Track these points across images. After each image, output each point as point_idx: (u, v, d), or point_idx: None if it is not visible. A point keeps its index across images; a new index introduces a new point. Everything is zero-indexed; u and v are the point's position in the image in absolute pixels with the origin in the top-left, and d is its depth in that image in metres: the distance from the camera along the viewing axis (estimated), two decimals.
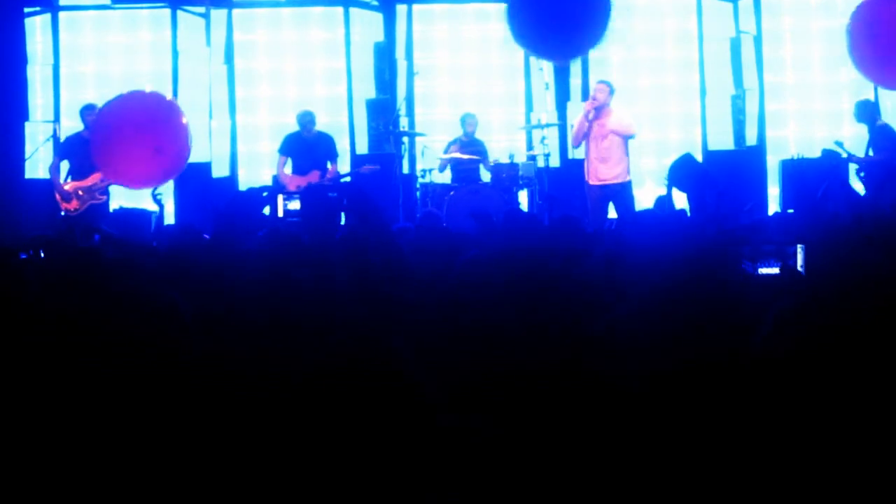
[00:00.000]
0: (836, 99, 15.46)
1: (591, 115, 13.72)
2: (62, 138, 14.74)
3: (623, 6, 15.37)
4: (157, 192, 13.49)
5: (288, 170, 14.51)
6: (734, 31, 15.72)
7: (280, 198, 12.46)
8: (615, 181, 13.76)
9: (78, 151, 13.97)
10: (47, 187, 15.12)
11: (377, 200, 10.80)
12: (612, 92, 13.90)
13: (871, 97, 14.70)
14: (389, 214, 13.43)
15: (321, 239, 6.74)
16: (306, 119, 14.47)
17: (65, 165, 14.07)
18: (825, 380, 3.90)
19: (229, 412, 3.91)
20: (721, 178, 14.59)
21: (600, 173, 13.77)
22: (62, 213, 13.73)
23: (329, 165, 14.34)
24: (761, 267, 7.16)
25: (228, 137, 15.72)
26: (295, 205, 12.02)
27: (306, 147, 14.44)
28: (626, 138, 13.87)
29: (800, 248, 6.79)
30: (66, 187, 13.81)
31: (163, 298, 4.65)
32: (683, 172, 10.19)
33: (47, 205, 14.71)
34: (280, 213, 12.23)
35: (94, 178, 13.78)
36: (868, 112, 14.35)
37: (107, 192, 13.96)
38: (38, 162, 15.55)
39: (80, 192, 13.73)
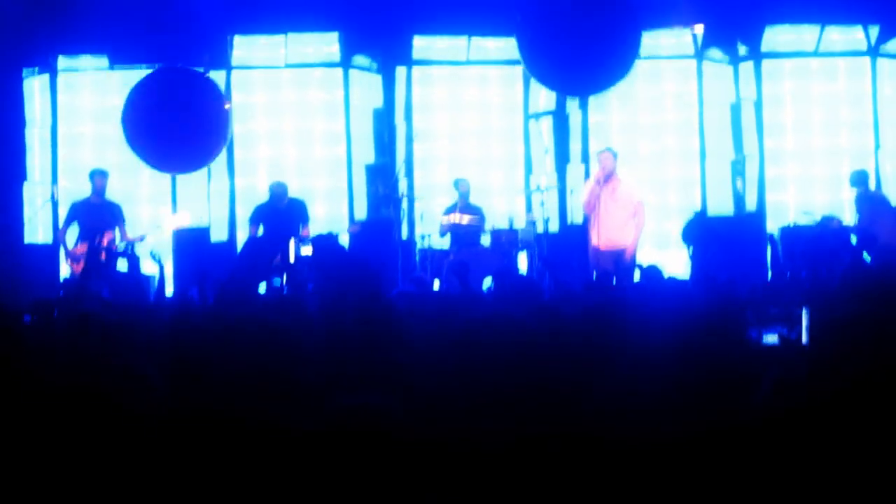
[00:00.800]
0: (837, 164, 15.42)
1: (601, 182, 13.74)
2: (70, 202, 14.67)
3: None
4: (156, 253, 13.46)
5: None
6: (734, 95, 15.71)
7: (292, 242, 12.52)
8: (620, 247, 13.73)
9: (86, 215, 14.04)
10: (46, 251, 15.15)
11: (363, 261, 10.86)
12: (615, 158, 13.93)
13: (872, 163, 14.74)
14: (388, 278, 13.32)
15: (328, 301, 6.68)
16: (280, 190, 14.31)
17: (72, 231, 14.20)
18: (825, 444, 3.84)
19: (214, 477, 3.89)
20: (721, 242, 14.59)
21: (606, 239, 13.73)
22: (69, 277, 13.72)
23: (301, 230, 14.17)
24: (767, 333, 7.07)
25: (227, 200, 15.65)
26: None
27: (278, 216, 14.18)
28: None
29: (805, 313, 6.71)
30: (76, 251, 13.84)
31: (135, 368, 4.63)
32: (694, 230, 10.24)
33: (46, 268, 14.71)
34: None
35: (103, 240, 13.79)
36: (859, 180, 14.43)
37: (114, 255, 13.95)
38: (36, 224, 15.50)
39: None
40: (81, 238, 14.08)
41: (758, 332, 7.48)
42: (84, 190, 14.60)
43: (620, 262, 13.64)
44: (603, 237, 13.80)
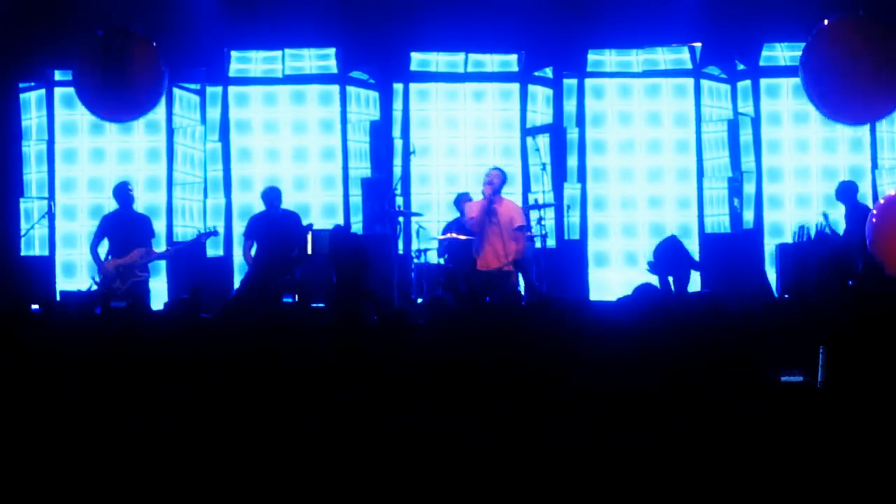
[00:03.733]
0: (834, 181, 15.38)
1: (489, 201, 13.51)
2: (101, 215, 14.58)
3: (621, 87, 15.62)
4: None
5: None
6: (732, 113, 15.67)
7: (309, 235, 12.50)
8: (499, 268, 13.43)
9: (117, 229, 13.99)
10: (43, 263, 15.11)
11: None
12: (504, 177, 13.72)
13: (868, 182, 14.75)
14: (384, 295, 13.26)
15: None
16: (272, 195, 14.02)
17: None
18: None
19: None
20: (716, 261, 14.57)
21: (484, 261, 13.47)
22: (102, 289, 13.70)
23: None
24: (785, 376, 6.98)
25: (223, 216, 15.62)
26: None
27: (274, 227, 13.91)
28: (515, 228, 13.59)
29: (821, 351, 6.63)
30: (108, 266, 13.81)
31: None
32: (667, 255, 10.07)
33: (43, 281, 14.69)
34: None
35: (133, 255, 13.79)
36: (847, 192, 14.39)
37: (147, 270, 13.99)
38: (32, 238, 15.49)
39: (121, 270, 13.75)
40: (112, 252, 14.00)
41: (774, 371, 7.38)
42: (111, 203, 14.56)
43: (501, 283, 13.23)
44: (483, 259, 13.47)
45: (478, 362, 5.82)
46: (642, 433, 4.89)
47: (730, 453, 4.71)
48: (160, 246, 14.50)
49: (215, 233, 14.52)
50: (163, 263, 15.01)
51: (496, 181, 13.53)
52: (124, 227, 13.98)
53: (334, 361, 5.93)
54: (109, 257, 13.94)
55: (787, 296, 13.09)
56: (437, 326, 7.94)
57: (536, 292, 12.93)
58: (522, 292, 12.86)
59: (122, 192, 14.21)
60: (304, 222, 13.94)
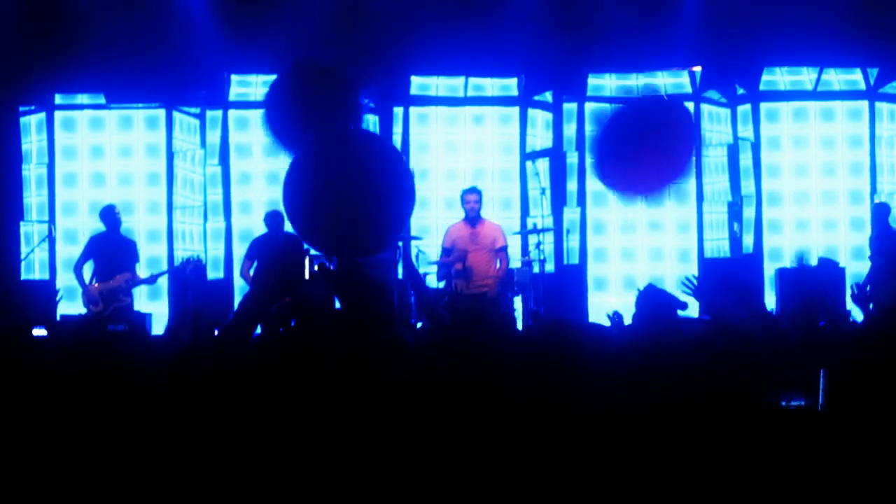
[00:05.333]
0: (834, 206, 15.39)
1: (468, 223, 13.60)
2: (88, 236, 14.69)
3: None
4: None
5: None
6: (732, 137, 15.68)
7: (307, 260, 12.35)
8: (482, 290, 13.53)
9: (102, 252, 14.01)
10: (44, 287, 15.11)
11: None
12: (481, 197, 13.84)
13: (867, 207, 14.80)
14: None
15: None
16: (277, 219, 14.00)
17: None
18: None
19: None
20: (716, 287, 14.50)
21: (476, 283, 13.58)
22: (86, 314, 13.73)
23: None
24: (786, 400, 6.94)
25: (223, 239, 15.63)
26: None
27: (275, 249, 13.97)
28: (497, 250, 13.68)
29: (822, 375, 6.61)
30: (91, 289, 13.83)
31: None
32: (648, 304, 9.97)
33: (43, 306, 14.67)
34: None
35: (118, 280, 13.82)
36: (880, 215, 14.42)
37: (130, 294, 14.01)
38: (32, 262, 15.52)
39: (105, 294, 13.77)
40: (97, 275, 14.06)
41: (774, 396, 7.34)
42: (98, 226, 14.58)
43: (492, 305, 13.22)
44: (470, 282, 13.60)
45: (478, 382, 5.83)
46: (641, 452, 4.90)
47: (724, 471, 4.71)
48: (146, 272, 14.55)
49: (198, 260, 14.42)
50: (164, 287, 15.02)
51: (476, 205, 13.66)
52: (110, 251, 14.01)
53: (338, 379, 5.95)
54: (94, 280, 13.97)
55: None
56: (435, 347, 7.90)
57: (534, 312, 12.94)
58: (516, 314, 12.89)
59: (109, 215, 14.25)
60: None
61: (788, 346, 8.36)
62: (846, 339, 7.66)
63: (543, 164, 15.57)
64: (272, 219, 14.08)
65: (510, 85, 15.84)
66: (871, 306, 9.63)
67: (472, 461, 4.67)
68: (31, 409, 5.16)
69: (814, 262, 14.57)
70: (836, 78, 15.75)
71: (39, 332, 10.10)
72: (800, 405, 6.86)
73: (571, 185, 15.66)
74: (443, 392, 5.32)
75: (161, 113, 15.75)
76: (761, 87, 15.70)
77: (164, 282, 15.02)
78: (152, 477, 4.53)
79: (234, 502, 4.30)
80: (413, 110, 15.87)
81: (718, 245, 15.59)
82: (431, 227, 15.46)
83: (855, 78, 15.72)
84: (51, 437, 4.94)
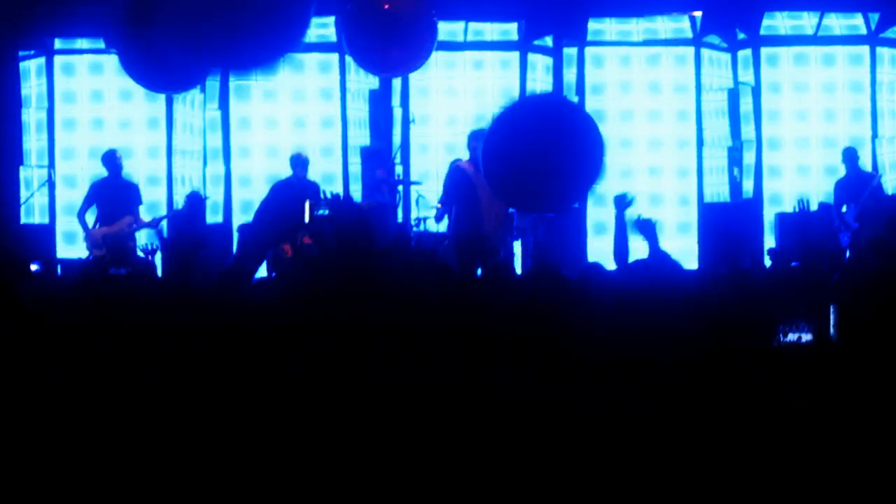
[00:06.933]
0: (834, 151, 15.36)
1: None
2: (90, 181, 14.80)
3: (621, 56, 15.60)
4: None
5: None
6: (732, 82, 15.64)
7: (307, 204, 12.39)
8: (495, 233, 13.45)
9: (105, 197, 14.06)
10: (43, 232, 15.15)
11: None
12: None
13: (868, 151, 14.83)
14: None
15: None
16: (300, 162, 14.21)
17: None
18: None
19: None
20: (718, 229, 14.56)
21: (488, 224, 13.43)
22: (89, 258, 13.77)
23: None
24: (793, 333, 6.96)
25: (223, 184, 15.63)
26: None
27: (294, 195, 14.02)
28: None
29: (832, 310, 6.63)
30: (95, 233, 13.87)
31: None
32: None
33: (43, 250, 14.71)
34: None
35: (121, 223, 13.86)
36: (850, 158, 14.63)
37: (133, 238, 14.02)
38: (32, 206, 15.54)
39: (108, 238, 13.81)
40: (100, 220, 14.15)
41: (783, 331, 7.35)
42: (100, 171, 14.68)
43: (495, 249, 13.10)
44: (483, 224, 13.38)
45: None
46: (647, 395, 4.92)
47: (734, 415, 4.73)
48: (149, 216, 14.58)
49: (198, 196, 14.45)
50: (163, 230, 15.04)
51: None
52: (112, 195, 14.09)
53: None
54: (98, 225, 14.01)
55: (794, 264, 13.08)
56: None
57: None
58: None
59: (111, 160, 14.34)
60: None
61: (796, 286, 8.40)
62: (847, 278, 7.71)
63: None
64: (297, 161, 14.25)
65: (510, 29, 15.79)
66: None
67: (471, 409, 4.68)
68: (30, 359, 5.15)
69: (814, 206, 14.55)
70: (837, 23, 15.70)
71: (34, 266, 10.17)
72: (809, 341, 6.89)
73: None
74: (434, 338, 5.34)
75: None
76: (762, 32, 15.64)
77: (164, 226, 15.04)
78: (156, 435, 4.51)
79: (231, 456, 4.30)
80: None
81: (718, 189, 15.57)
82: (431, 171, 15.44)
83: (856, 23, 15.66)
84: (52, 384, 4.93)
